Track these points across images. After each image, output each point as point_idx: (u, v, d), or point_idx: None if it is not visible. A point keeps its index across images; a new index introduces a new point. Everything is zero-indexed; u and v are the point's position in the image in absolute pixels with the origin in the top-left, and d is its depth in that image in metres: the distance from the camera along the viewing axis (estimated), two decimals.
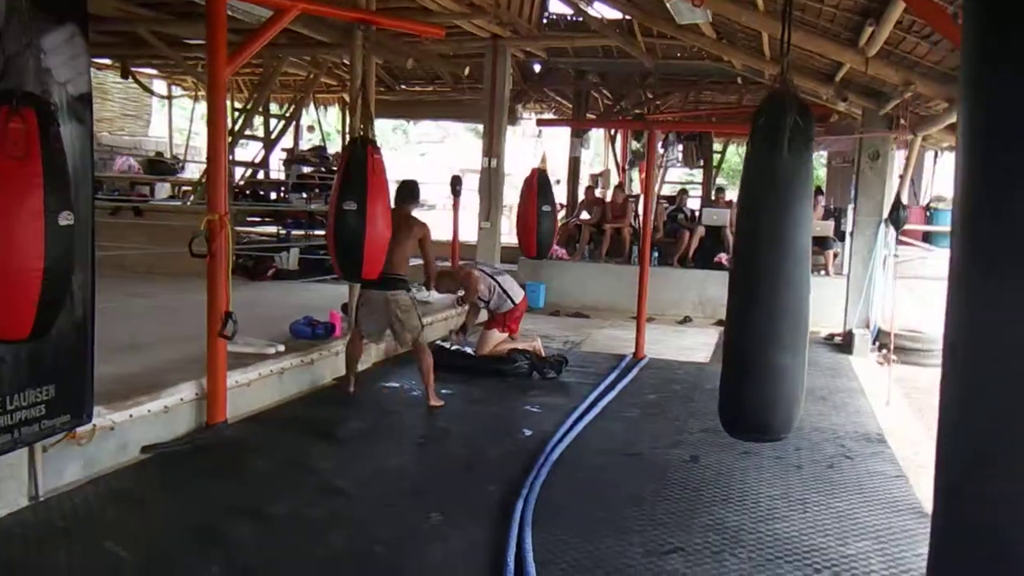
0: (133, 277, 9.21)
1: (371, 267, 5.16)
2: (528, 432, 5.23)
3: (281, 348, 5.78)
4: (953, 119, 6.15)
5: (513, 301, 6.95)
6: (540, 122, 9.66)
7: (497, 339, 6.92)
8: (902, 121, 6.04)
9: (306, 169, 12.50)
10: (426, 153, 32.48)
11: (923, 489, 4.38)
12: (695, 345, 8.61)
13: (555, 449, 4.76)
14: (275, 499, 3.97)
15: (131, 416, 4.38)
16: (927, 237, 11.59)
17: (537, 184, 7.56)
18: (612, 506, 4.04)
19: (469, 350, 7.02)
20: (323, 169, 12.33)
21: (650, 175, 7.97)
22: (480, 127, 11.12)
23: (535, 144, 8.13)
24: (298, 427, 5.17)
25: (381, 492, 4.14)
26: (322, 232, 11.15)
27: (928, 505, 4.11)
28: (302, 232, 11.41)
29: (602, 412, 5.74)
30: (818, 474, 4.63)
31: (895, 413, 6.22)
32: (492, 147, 9.80)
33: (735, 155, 25.04)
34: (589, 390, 6.28)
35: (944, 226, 11.29)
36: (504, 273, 7.26)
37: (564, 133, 15.17)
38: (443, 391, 6.21)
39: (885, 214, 8.86)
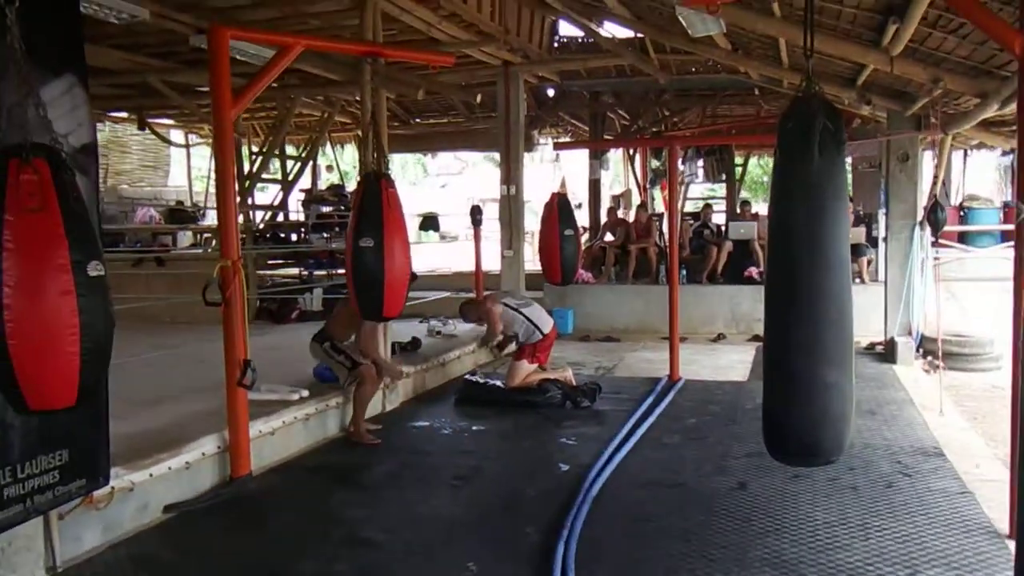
0: (157, 328, 9.15)
1: (392, 305, 4.99)
2: (565, 467, 4.99)
3: (305, 393, 5.61)
4: (987, 114, 5.91)
5: (542, 332, 6.72)
6: (558, 145, 9.48)
7: (527, 370, 6.69)
8: (932, 120, 5.78)
9: (325, 208, 12.43)
10: (446, 185, 32.52)
11: (993, 507, 4.09)
12: (731, 363, 8.34)
13: (594, 484, 4.53)
14: (303, 555, 3.77)
15: (151, 475, 4.21)
16: (962, 238, 11.23)
17: (558, 208, 7.39)
18: (658, 543, 3.80)
19: (499, 383, 6.80)
20: (342, 207, 12.24)
21: (674, 192, 7.77)
22: (498, 157, 10.97)
23: (553, 169, 7.95)
24: (325, 475, 4.98)
25: (412, 540, 3.93)
26: (344, 271, 11.06)
27: (1001, 525, 3.85)
28: (324, 272, 11.31)
29: (640, 440, 5.50)
30: (876, 495, 4.35)
31: (949, 423, 5.92)
32: (510, 174, 9.65)
33: (756, 167, 24.86)
34: (625, 417, 6.04)
35: (980, 225, 10.96)
36: (531, 303, 7.03)
37: (582, 157, 15.02)
38: (473, 427, 6.03)
39: (920, 217, 8.59)
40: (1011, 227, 11.46)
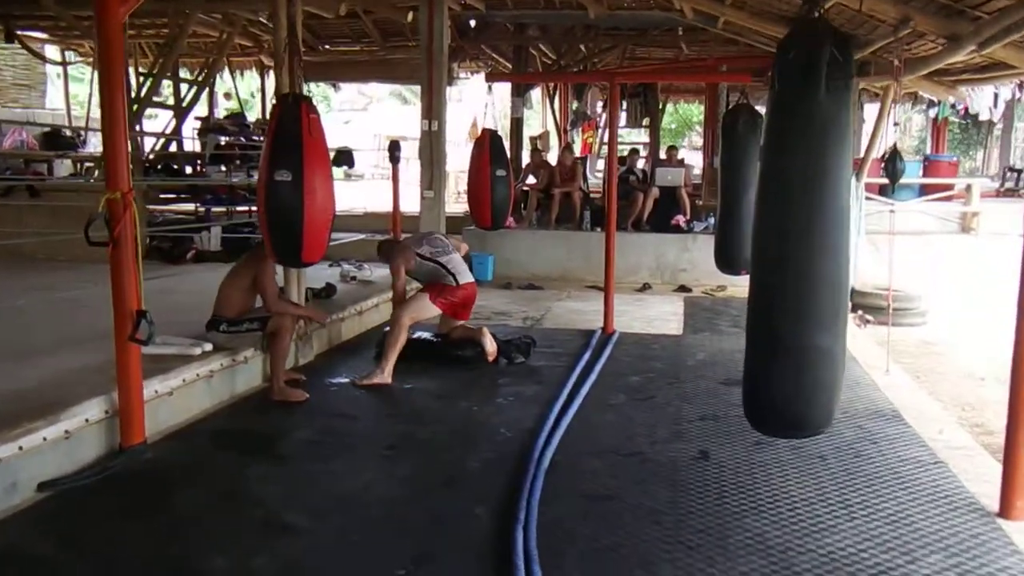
0: (32, 266, 8.20)
1: (312, 249, 4.35)
2: (507, 432, 4.50)
3: (208, 347, 4.90)
4: (955, 58, 5.61)
5: (455, 280, 5.80)
6: (490, 76, 8.80)
7: (425, 308, 5.70)
8: (896, 63, 5.46)
9: (224, 139, 11.37)
10: (350, 121, 31.17)
11: (971, 480, 3.83)
12: (663, 315, 8.01)
13: (544, 455, 4.05)
14: (213, 546, 3.16)
15: (21, 448, 3.50)
16: (883, 190, 11.20)
17: (490, 147, 6.80)
18: (628, 526, 3.35)
19: (426, 335, 6.16)
20: (243, 139, 11.25)
21: (614, 133, 7.26)
22: (405, 93, 10.14)
23: (487, 104, 7.26)
24: (234, 442, 4.34)
25: (342, 526, 3.36)
26: (245, 208, 10.16)
27: (987, 500, 3.58)
28: (223, 209, 10.38)
29: (585, 401, 5.05)
30: (847, 466, 4.04)
31: (897, 383, 5.71)
32: (432, 109, 8.91)
33: (670, 114, 24.79)
34: (564, 375, 5.59)
35: (905, 179, 10.90)
36: (453, 255, 6.11)
37: (499, 94, 14.29)
38: (405, 385, 5.45)
39: (854, 167, 8.37)
40: (933, 180, 11.55)
